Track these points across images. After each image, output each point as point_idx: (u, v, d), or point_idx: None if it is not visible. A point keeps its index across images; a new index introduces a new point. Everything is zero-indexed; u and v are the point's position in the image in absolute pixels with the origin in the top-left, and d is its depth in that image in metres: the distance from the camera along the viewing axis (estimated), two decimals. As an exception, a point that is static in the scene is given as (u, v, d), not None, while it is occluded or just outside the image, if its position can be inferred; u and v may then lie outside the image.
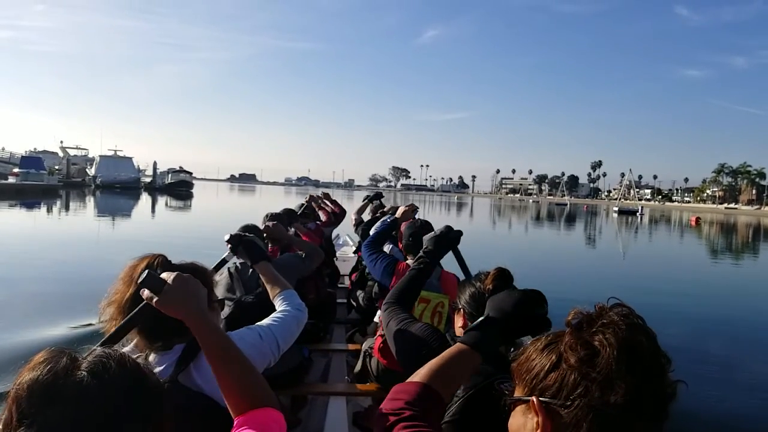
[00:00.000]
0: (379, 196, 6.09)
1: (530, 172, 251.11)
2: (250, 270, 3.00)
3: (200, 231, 19.64)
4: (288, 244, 3.53)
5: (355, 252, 7.90)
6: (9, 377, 0.86)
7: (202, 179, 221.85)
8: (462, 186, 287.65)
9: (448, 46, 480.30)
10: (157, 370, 1.38)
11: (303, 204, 5.76)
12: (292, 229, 4.49)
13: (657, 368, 0.85)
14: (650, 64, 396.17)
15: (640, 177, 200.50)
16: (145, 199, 48.43)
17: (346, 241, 11.09)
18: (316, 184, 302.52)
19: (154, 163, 74.07)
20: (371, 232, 3.78)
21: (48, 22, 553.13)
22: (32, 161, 51.52)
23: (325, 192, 6.93)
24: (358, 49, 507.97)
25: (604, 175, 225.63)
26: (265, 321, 1.72)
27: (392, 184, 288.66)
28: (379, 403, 3.86)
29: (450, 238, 2.14)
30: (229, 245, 2.19)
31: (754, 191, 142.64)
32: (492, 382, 1.48)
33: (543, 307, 1.23)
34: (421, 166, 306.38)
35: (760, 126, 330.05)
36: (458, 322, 1.85)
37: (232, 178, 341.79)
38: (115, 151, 72.30)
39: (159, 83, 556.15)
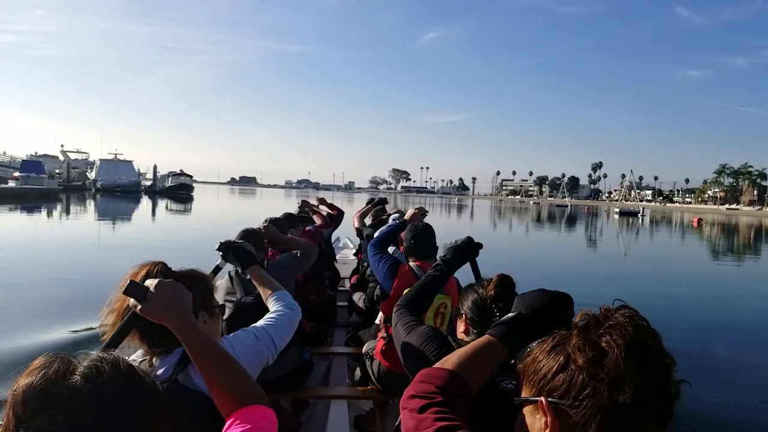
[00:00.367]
0: (383, 202, 6.12)
1: (531, 173, 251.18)
2: None
3: (200, 234, 19.66)
4: (284, 246, 3.59)
5: (355, 254, 7.90)
6: (9, 382, 0.88)
7: (202, 182, 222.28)
8: (462, 188, 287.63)
9: (448, 48, 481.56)
10: (159, 371, 1.42)
11: (298, 210, 5.80)
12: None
13: (663, 369, 0.87)
14: (650, 65, 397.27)
15: (640, 178, 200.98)
16: (145, 202, 48.46)
17: (346, 243, 11.09)
18: (317, 186, 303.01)
19: (155, 167, 74.18)
20: (377, 234, 3.78)
21: (48, 27, 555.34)
22: (32, 165, 51.49)
23: (320, 198, 7.01)
24: (357, 52, 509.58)
25: (605, 176, 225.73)
26: (260, 322, 1.76)
27: (392, 186, 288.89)
28: (381, 407, 3.82)
29: (469, 250, 2.17)
30: (220, 253, 2.23)
31: (755, 192, 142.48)
32: (494, 380, 1.48)
33: (570, 310, 1.25)
34: (422, 168, 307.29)
35: (761, 126, 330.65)
36: (460, 327, 1.86)
37: (232, 181, 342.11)
38: (116, 154, 72.53)
39: (159, 87, 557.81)
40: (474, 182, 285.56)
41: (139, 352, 1.52)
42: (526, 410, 0.95)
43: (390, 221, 4.63)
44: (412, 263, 3.38)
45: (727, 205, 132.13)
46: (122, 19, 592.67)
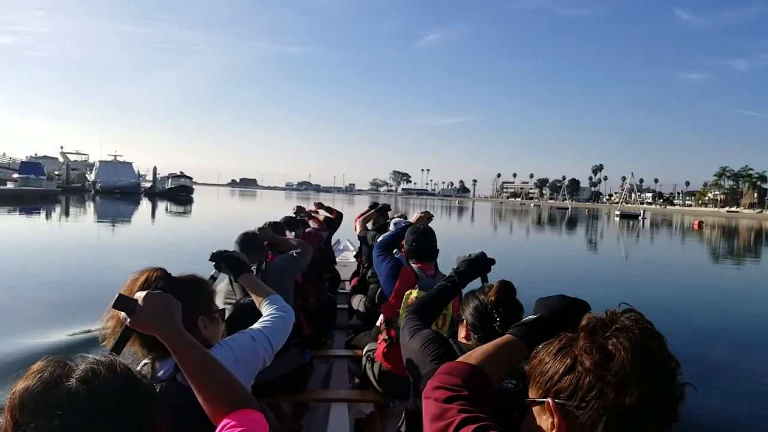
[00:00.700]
0: (386, 208, 6.17)
1: (531, 176, 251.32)
2: None
3: (200, 236, 19.66)
4: (283, 248, 3.71)
5: (355, 257, 7.89)
6: (7, 386, 0.90)
7: (203, 184, 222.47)
8: (463, 190, 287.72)
9: (448, 51, 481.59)
10: (160, 373, 1.47)
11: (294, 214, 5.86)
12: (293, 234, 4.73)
13: (668, 372, 0.89)
14: (651, 67, 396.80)
15: (641, 180, 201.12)
16: (145, 204, 48.45)
17: (346, 246, 11.09)
18: (317, 188, 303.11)
19: (154, 168, 74.13)
20: (383, 237, 3.86)
21: (48, 28, 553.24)
22: (32, 167, 51.53)
23: (318, 202, 7.11)
24: (357, 54, 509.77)
25: (605, 178, 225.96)
26: (256, 324, 1.80)
27: (393, 188, 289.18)
28: (382, 410, 3.81)
29: (482, 265, 2.22)
30: (213, 263, 2.32)
31: (755, 194, 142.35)
32: None
33: None
34: (422, 170, 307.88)
35: (761, 129, 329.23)
36: (461, 333, 1.90)
37: (232, 183, 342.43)
38: (115, 156, 72.44)
39: (159, 88, 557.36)
40: (475, 184, 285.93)
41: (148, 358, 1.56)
42: (533, 411, 0.97)
43: (392, 225, 4.68)
44: (413, 265, 3.42)
45: (727, 208, 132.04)
46: (121, 20, 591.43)
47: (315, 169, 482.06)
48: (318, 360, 4.42)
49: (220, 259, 2.26)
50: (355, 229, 6.12)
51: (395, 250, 3.98)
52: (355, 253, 8.34)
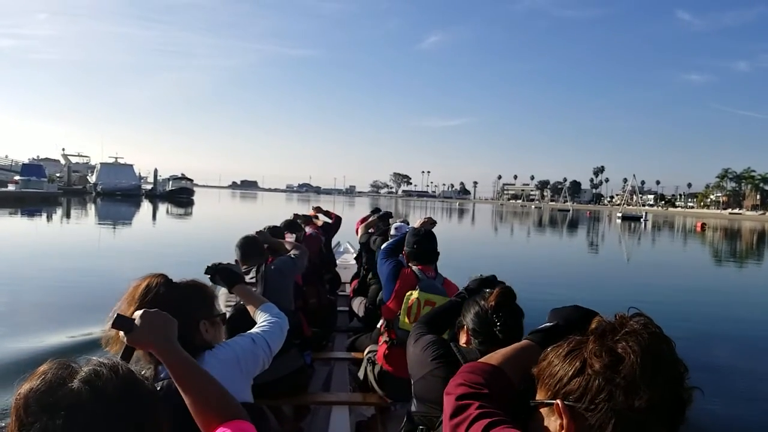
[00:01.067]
0: (388, 215, 6.23)
1: (532, 177, 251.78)
2: None
3: (201, 239, 19.67)
4: (281, 252, 3.79)
5: (356, 259, 7.90)
6: (10, 388, 0.92)
7: (203, 186, 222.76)
8: (463, 192, 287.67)
9: (449, 53, 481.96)
10: (163, 374, 1.48)
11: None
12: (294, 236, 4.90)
13: (677, 375, 0.91)
14: (652, 69, 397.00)
15: (642, 182, 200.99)
16: (146, 206, 48.47)
17: (347, 248, 11.08)
18: (318, 190, 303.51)
19: (155, 170, 74.19)
20: (388, 243, 3.95)
21: (50, 31, 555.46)
22: (33, 169, 51.59)
23: (316, 207, 7.20)
24: (358, 56, 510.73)
25: (607, 180, 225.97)
26: (254, 329, 1.87)
27: (393, 190, 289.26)
28: (383, 412, 3.83)
29: (492, 286, 2.24)
30: (209, 276, 2.36)
31: (758, 196, 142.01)
32: None
33: None
34: (423, 172, 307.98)
35: (763, 130, 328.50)
36: (462, 338, 1.93)
37: (233, 185, 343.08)
38: (116, 158, 72.48)
39: (161, 90, 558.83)
40: (475, 186, 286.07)
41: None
42: (542, 412, 0.99)
43: (393, 230, 4.80)
44: (413, 267, 3.46)
45: (729, 210, 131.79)
46: (123, 23, 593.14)
47: (315, 171, 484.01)
48: (319, 362, 4.42)
49: (215, 271, 2.32)
50: (357, 233, 6.15)
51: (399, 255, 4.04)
52: (355, 255, 8.34)
